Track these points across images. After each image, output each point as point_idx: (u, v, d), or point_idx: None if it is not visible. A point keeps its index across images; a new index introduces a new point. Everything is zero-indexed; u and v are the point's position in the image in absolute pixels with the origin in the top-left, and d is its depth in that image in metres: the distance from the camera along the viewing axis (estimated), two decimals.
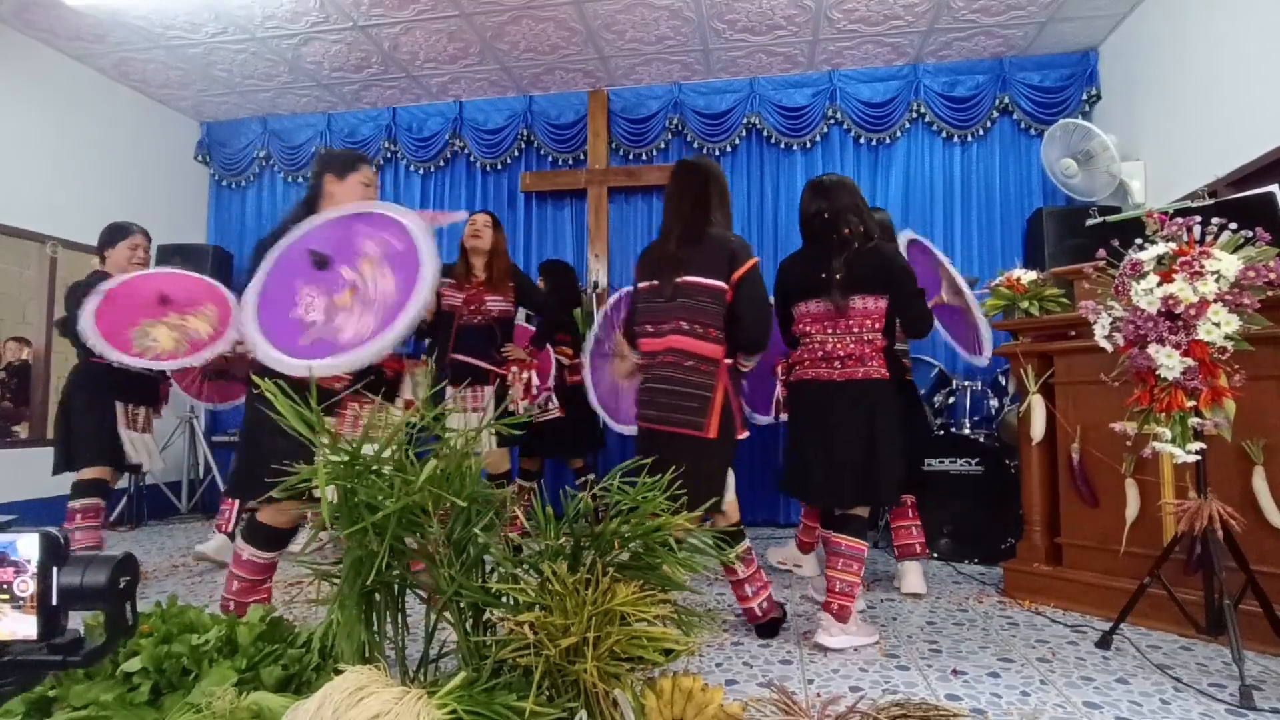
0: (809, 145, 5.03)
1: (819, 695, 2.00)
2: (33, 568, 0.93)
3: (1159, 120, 4.08)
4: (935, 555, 3.72)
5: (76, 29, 4.41)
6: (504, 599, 1.61)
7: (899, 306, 2.58)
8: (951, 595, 3.08)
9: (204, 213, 5.93)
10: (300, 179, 5.70)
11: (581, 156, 5.28)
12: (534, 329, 3.84)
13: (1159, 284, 2.05)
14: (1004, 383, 4.17)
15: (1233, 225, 2.08)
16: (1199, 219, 2.10)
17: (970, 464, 3.68)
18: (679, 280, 2.43)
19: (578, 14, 4.29)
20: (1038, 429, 2.99)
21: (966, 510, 3.66)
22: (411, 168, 5.55)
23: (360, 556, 1.56)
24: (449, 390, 3.26)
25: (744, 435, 2.52)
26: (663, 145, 5.21)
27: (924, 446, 3.64)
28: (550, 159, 5.35)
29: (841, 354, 2.53)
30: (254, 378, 1.81)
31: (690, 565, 1.71)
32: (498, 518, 1.68)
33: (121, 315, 3.04)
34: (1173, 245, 2.10)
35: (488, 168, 5.45)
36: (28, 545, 0.93)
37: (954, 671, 2.20)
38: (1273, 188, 2.69)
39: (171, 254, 4.94)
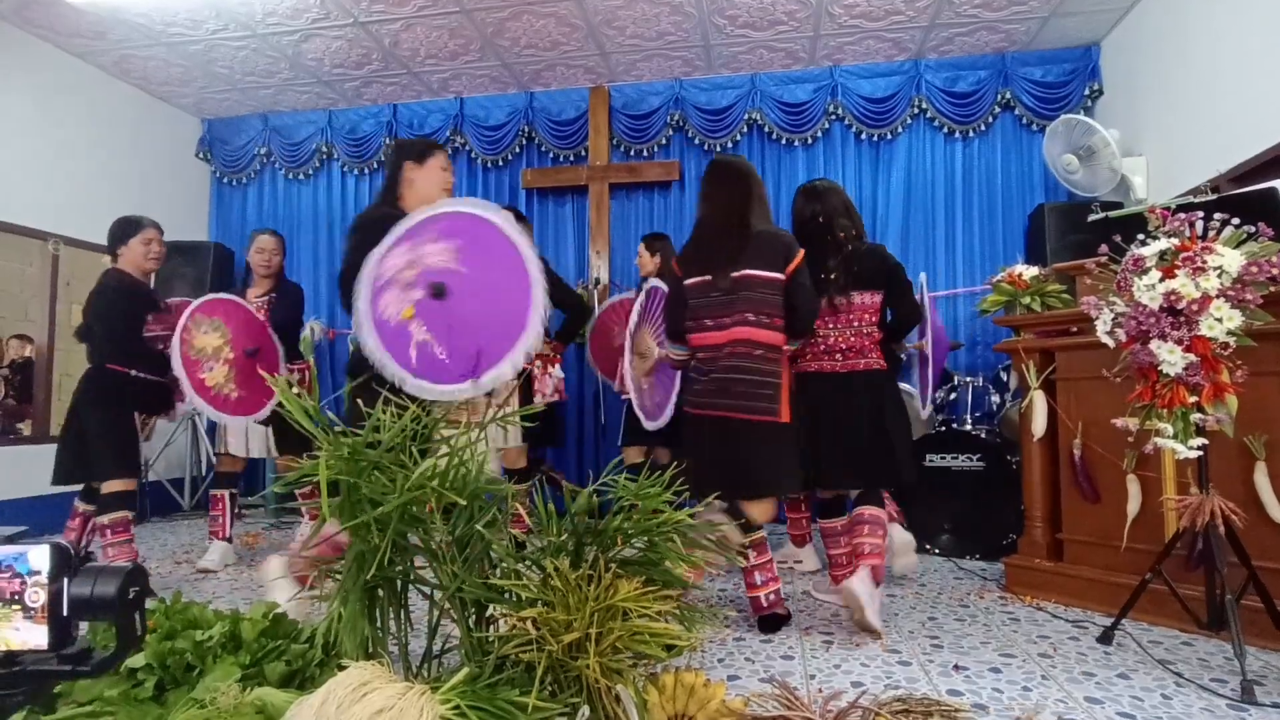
0: (810, 141, 5.02)
1: (821, 690, 2.01)
2: (44, 579, 0.94)
3: (1161, 115, 4.07)
4: (937, 550, 3.73)
5: (77, 26, 4.41)
6: (506, 595, 1.61)
7: (894, 300, 2.79)
8: (953, 591, 3.09)
9: (205, 210, 5.93)
10: (301, 176, 5.71)
11: (583, 153, 5.27)
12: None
13: (1161, 279, 2.05)
14: (1005, 378, 4.18)
15: (1235, 220, 2.08)
16: (1201, 214, 2.10)
17: (972, 459, 3.68)
18: (736, 274, 2.50)
19: (579, 10, 4.28)
20: (1039, 425, 2.99)
21: (968, 506, 3.66)
22: None
23: (363, 552, 1.57)
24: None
25: None
26: (664, 141, 5.20)
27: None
28: (551, 155, 5.35)
29: (843, 346, 2.72)
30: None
31: (693, 561, 1.72)
32: (500, 514, 1.69)
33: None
34: (1175, 241, 2.09)
35: (489, 164, 5.45)
36: (39, 557, 0.94)
37: (955, 667, 2.20)
38: (1275, 183, 2.69)
39: (172, 252, 4.93)
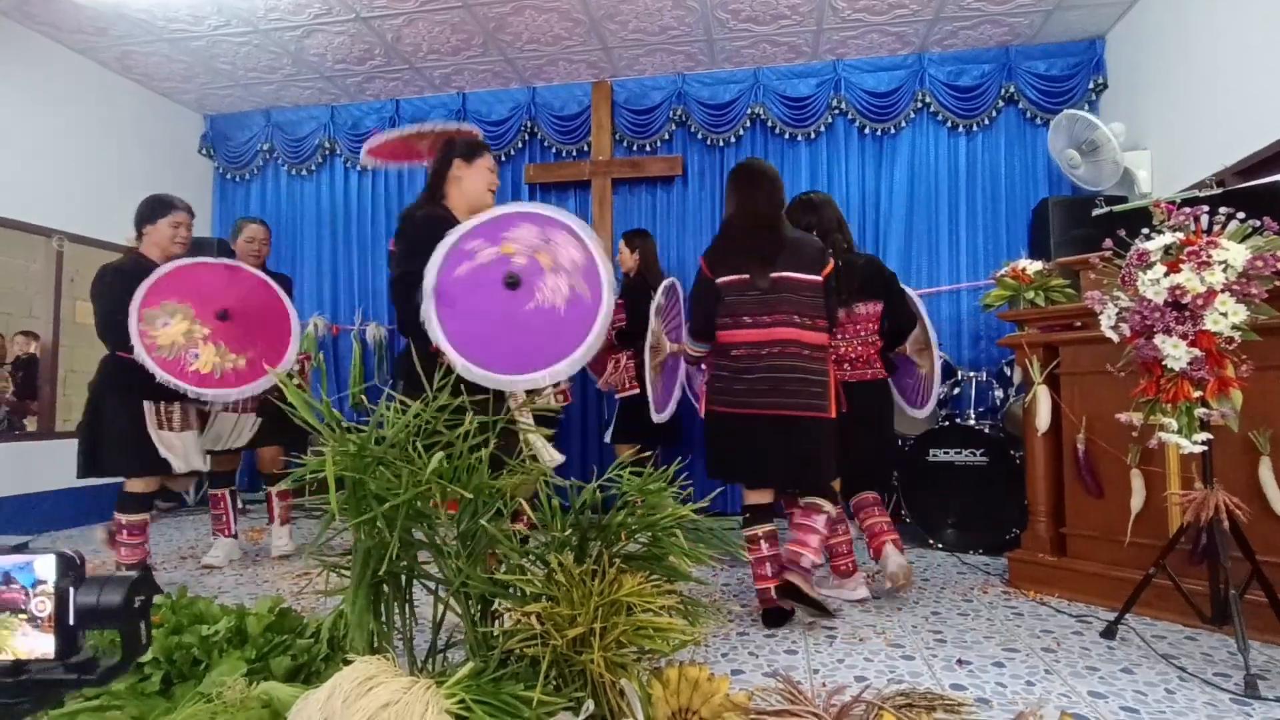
0: (813, 136, 5.01)
1: (824, 685, 2.01)
2: (50, 588, 0.95)
3: (1166, 109, 4.05)
4: (940, 545, 3.73)
5: (79, 22, 4.41)
6: (511, 590, 1.62)
7: (893, 309, 2.94)
8: (956, 585, 3.09)
9: (208, 206, 5.93)
10: (304, 172, 5.70)
11: (585, 148, 5.26)
12: None
13: (1166, 274, 2.04)
14: (1009, 373, 4.17)
15: (1240, 215, 2.07)
16: (1206, 208, 2.09)
17: (975, 454, 3.68)
18: (776, 275, 2.54)
19: (581, 4, 4.27)
20: (1043, 419, 2.98)
21: (971, 501, 3.66)
22: None
23: (369, 547, 1.57)
24: None
25: None
26: (666, 136, 5.19)
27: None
28: (554, 150, 5.34)
29: (851, 356, 2.88)
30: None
31: (696, 556, 1.72)
32: (505, 510, 1.69)
33: (176, 283, 2.91)
34: (1180, 235, 2.09)
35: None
36: (44, 566, 0.95)
37: (959, 661, 2.20)
38: None
39: None
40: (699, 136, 5.13)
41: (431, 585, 1.69)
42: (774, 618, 2.54)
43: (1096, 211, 3.43)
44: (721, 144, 5.09)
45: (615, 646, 1.47)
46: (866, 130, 4.96)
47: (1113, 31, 4.58)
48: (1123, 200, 3.85)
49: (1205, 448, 2.08)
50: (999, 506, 3.57)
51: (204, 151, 5.83)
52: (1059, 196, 4.41)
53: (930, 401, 3.32)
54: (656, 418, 3.44)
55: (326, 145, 5.62)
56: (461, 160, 2.54)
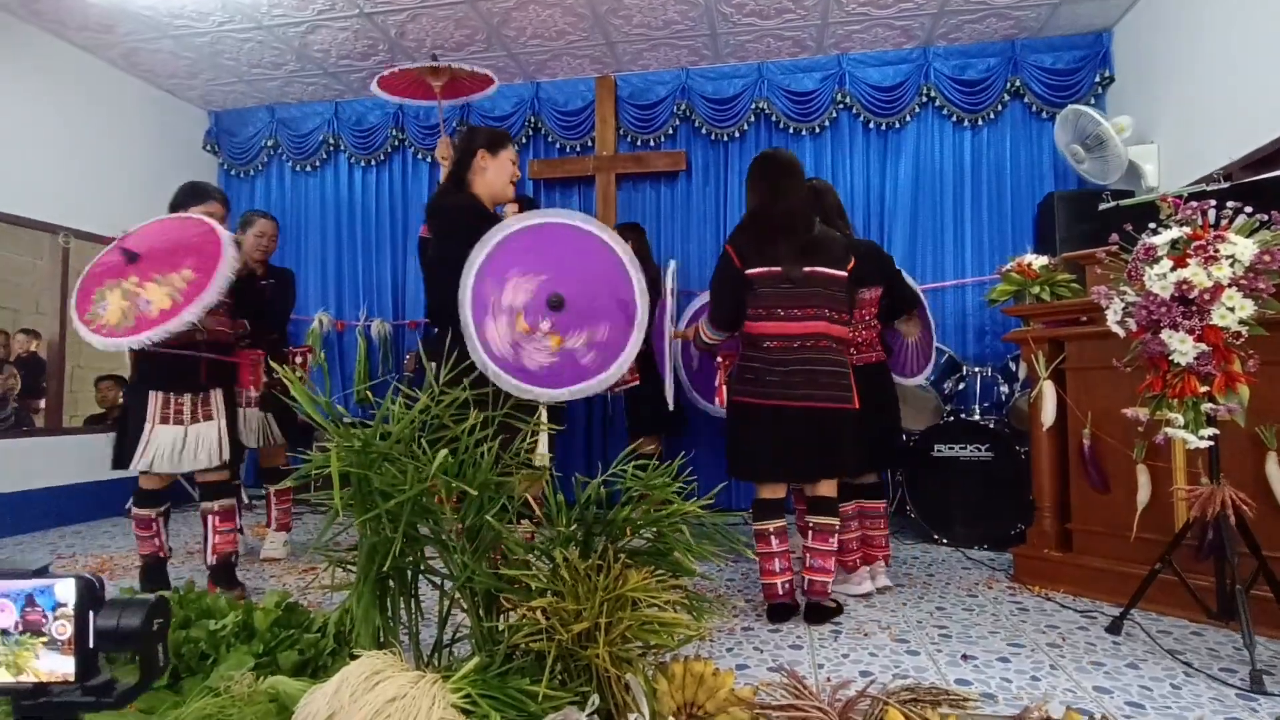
0: (818, 130, 4.99)
1: (829, 680, 2.02)
2: (70, 611, 0.97)
3: (1173, 102, 4.02)
4: (945, 540, 3.73)
5: (84, 19, 4.42)
6: (516, 585, 1.62)
7: (896, 291, 3.01)
8: (961, 581, 3.09)
9: None
10: (309, 167, 5.71)
11: (589, 143, 5.25)
12: None
13: (1173, 268, 2.04)
14: (1014, 368, 4.16)
15: (1248, 209, 2.06)
16: (1213, 203, 2.08)
17: (980, 450, 3.68)
18: (807, 270, 2.57)
19: None
20: (1048, 415, 2.98)
21: (976, 496, 3.66)
22: (419, 155, 5.54)
23: (375, 543, 1.58)
24: None
25: None
26: (670, 131, 5.18)
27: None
28: (558, 146, 5.33)
29: (857, 341, 2.91)
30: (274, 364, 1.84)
31: (701, 551, 1.72)
32: (509, 506, 1.70)
33: (90, 279, 2.67)
34: (1187, 229, 2.08)
35: None
36: (65, 590, 0.97)
37: (964, 656, 2.20)
38: None
39: None
40: (703, 131, 5.11)
41: (437, 580, 1.70)
42: (779, 613, 2.54)
43: (1103, 206, 3.41)
44: (725, 139, 5.07)
45: (620, 641, 1.48)
46: (871, 125, 4.94)
47: (1120, 24, 4.55)
48: (1129, 194, 3.83)
49: (1212, 443, 2.07)
50: (1004, 502, 3.57)
51: (208, 148, 5.84)
52: (1065, 191, 4.39)
53: (924, 369, 3.36)
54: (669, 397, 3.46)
55: (330, 141, 5.62)
56: (486, 151, 2.58)
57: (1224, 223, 2.07)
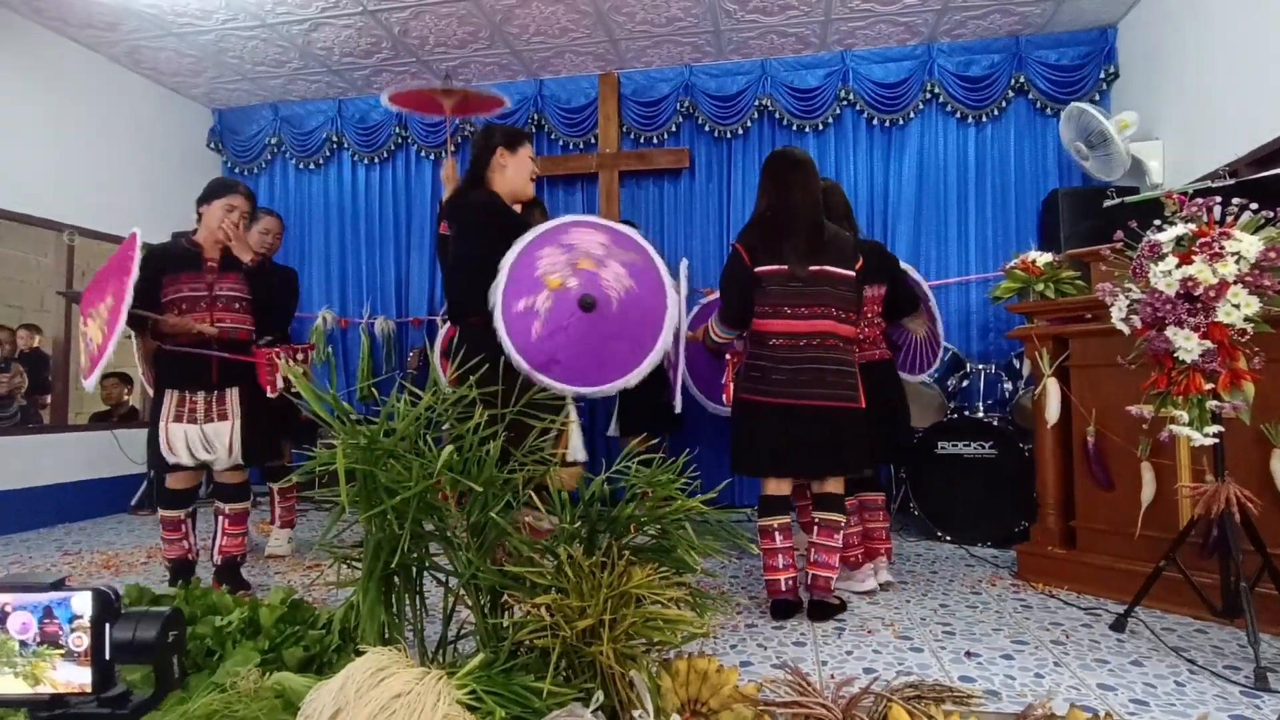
0: (821, 127, 4.98)
1: (833, 677, 2.02)
2: (87, 623, 0.97)
3: (1178, 99, 4.01)
4: (949, 537, 3.73)
5: (88, 17, 4.42)
6: (521, 582, 1.62)
7: (898, 290, 3.06)
8: (965, 578, 3.09)
9: None
10: (312, 165, 5.71)
11: (592, 140, 5.26)
12: None
13: (1178, 265, 2.03)
14: (1018, 366, 4.15)
15: (1253, 206, 2.06)
16: (1219, 199, 2.08)
17: (984, 447, 3.67)
18: (816, 269, 2.58)
19: None
20: (1053, 412, 2.97)
21: (980, 493, 3.65)
22: (422, 153, 5.55)
23: (380, 540, 1.58)
24: None
25: None
26: (674, 128, 5.17)
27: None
28: (561, 143, 5.33)
29: (860, 338, 2.91)
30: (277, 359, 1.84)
31: (705, 548, 1.73)
32: (514, 502, 1.70)
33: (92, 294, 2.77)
34: (1192, 226, 2.07)
35: None
36: (81, 602, 0.97)
37: (967, 653, 2.21)
38: None
39: None
40: (706, 129, 5.11)
41: (442, 577, 1.70)
42: (782, 610, 2.54)
43: (1107, 203, 3.40)
44: (729, 136, 5.07)
45: (624, 638, 1.48)
46: (875, 121, 4.93)
47: (1125, 20, 4.53)
48: (1134, 191, 3.82)
49: (1217, 440, 2.07)
50: (1008, 499, 3.56)
51: (212, 145, 5.85)
52: (1069, 188, 4.38)
53: (932, 365, 3.40)
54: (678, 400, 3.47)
55: (334, 139, 5.62)
56: (505, 149, 2.59)
57: (1229, 219, 2.06)
